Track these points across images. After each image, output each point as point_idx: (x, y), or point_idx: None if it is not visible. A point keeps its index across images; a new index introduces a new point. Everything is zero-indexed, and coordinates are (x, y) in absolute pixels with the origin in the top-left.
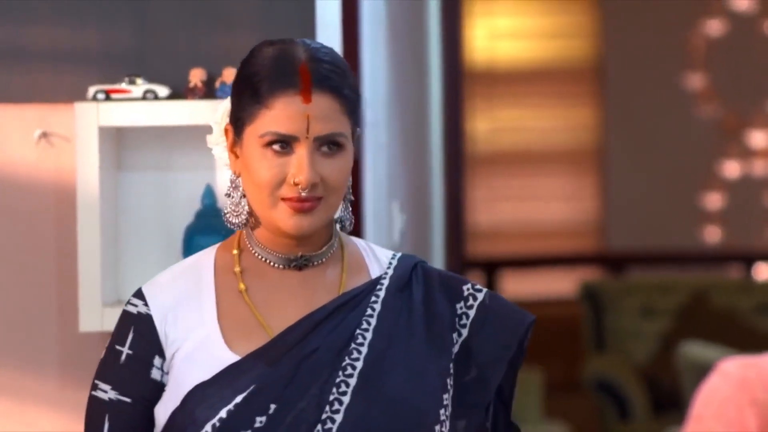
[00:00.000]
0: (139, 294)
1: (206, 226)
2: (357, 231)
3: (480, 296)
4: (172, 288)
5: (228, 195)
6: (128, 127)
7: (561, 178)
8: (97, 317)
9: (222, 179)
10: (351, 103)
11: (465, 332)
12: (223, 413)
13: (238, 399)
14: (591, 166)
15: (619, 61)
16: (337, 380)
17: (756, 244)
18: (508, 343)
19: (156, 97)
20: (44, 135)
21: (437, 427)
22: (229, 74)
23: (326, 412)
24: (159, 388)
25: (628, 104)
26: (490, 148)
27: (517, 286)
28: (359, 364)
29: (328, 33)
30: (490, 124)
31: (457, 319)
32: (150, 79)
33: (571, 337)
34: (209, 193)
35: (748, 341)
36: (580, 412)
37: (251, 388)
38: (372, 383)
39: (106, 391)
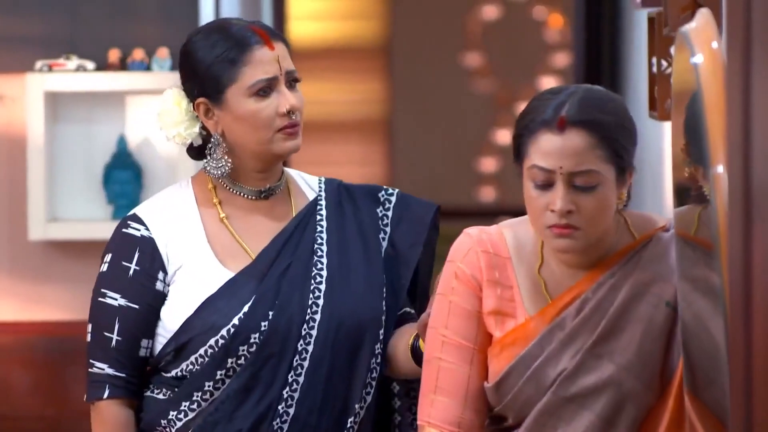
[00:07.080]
0: (137, 219)
1: (119, 164)
2: None
3: (393, 199)
4: (165, 216)
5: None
6: (65, 92)
7: (354, 146)
8: (42, 229)
9: (130, 130)
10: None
11: (388, 230)
12: (235, 320)
13: (246, 308)
14: (380, 135)
15: (405, 41)
16: (311, 287)
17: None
18: (420, 230)
19: (85, 70)
20: (0, 97)
21: (383, 318)
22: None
23: (308, 314)
24: (162, 297)
25: (413, 80)
26: None
27: None
28: (324, 272)
29: (206, 19)
30: None
31: (380, 221)
32: (81, 56)
33: None
34: (122, 141)
35: None
36: None
37: (252, 299)
38: (337, 287)
39: (116, 299)
